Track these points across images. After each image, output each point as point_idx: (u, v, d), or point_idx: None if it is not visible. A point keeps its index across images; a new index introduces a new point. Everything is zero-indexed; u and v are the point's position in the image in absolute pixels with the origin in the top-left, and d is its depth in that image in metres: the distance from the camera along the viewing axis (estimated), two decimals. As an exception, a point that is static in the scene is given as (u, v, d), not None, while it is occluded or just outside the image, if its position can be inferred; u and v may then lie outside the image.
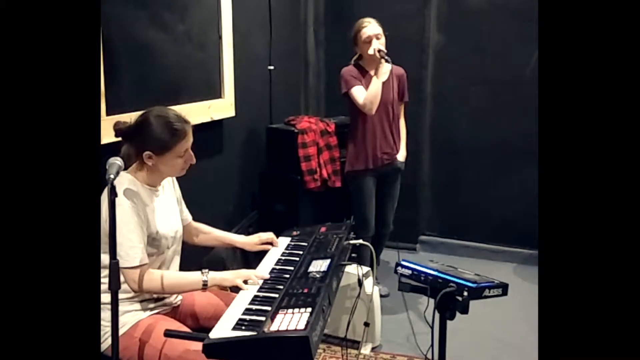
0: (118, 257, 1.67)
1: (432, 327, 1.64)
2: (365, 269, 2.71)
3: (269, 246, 2.16)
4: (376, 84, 2.93)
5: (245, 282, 1.76)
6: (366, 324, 2.56)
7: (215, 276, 1.77)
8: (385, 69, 3.02)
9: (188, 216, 2.12)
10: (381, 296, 3.13)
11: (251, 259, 3.07)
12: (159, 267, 1.86)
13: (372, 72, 3.01)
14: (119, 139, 1.81)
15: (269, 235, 2.19)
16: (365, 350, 2.77)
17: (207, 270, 1.77)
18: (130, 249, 1.67)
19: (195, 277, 1.77)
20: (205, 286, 1.76)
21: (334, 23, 4.24)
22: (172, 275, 1.80)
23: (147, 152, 1.75)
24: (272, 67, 3.62)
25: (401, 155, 3.23)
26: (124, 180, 1.74)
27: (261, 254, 2.13)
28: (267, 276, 1.82)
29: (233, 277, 1.77)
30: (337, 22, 4.22)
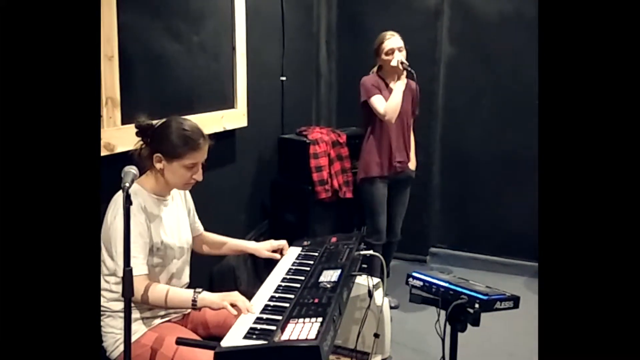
0: (116, 267, 1.69)
1: (442, 339, 1.63)
2: (376, 280, 2.70)
3: (277, 255, 2.16)
4: (398, 94, 3.03)
5: (234, 305, 1.67)
6: (376, 335, 2.55)
7: (205, 297, 1.71)
8: (401, 83, 3.10)
9: (200, 227, 2.13)
10: (391, 307, 3.13)
11: (261, 268, 3.08)
12: (169, 279, 1.87)
13: (391, 84, 3.11)
14: (136, 143, 1.84)
15: (280, 242, 2.20)
16: (375, 361, 2.76)
17: (200, 290, 1.73)
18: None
19: (186, 295, 1.72)
20: (194, 306, 1.71)
21: (346, 34, 4.27)
22: (163, 289, 1.72)
23: (158, 155, 1.77)
24: (284, 78, 3.65)
25: (412, 164, 3.34)
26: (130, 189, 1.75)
27: (271, 264, 2.14)
28: (253, 309, 1.68)
29: (221, 300, 1.69)
30: (349, 33, 4.25)
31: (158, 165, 1.78)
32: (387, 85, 3.15)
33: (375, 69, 3.23)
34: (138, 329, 1.77)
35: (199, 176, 1.84)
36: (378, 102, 3.05)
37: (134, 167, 1.56)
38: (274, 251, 2.19)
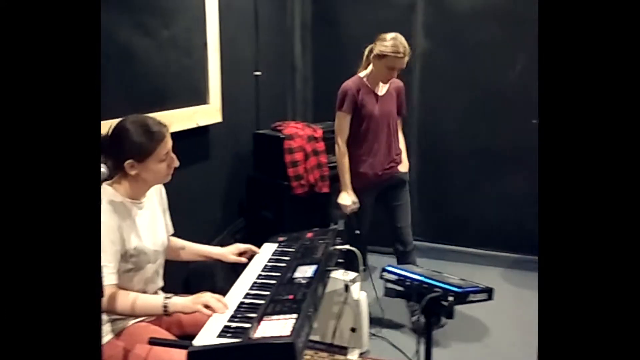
0: None
1: (417, 332, 1.63)
2: (353, 274, 2.70)
3: (244, 259, 2.12)
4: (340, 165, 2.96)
5: (208, 307, 1.65)
6: (353, 330, 2.56)
7: (176, 302, 1.68)
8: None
9: (170, 229, 2.06)
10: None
11: (239, 266, 3.06)
12: (144, 284, 1.83)
13: (377, 89, 2.96)
14: None
15: (247, 246, 2.16)
16: (353, 356, 2.76)
17: (170, 295, 1.70)
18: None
19: (156, 301, 1.69)
20: (166, 312, 1.68)
21: (320, 28, 4.25)
22: (130, 298, 1.68)
23: (129, 161, 1.71)
24: (258, 73, 3.62)
25: (404, 167, 3.14)
26: (103, 194, 1.71)
27: (249, 262, 2.12)
28: (227, 304, 1.67)
29: (193, 304, 1.67)
30: (324, 27, 4.23)
31: (132, 172, 1.72)
32: (372, 90, 2.97)
33: (364, 71, 2.99)
34: (110, 329, 1.74)
35: (175, 162, 1.80)
36: (340, 123, 2.93)
37: (103, 165, 1.52)
38: (242, 254, 2.15)
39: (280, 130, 3.36)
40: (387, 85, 2.99)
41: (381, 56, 2.82)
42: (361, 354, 2.79)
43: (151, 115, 1.82)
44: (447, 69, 3.96)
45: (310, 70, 4.33)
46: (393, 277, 1.73)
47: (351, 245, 2.19)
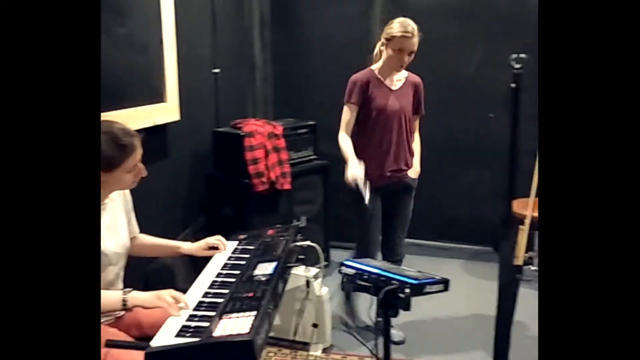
0: None
1: (375, 325, 1.66)
2: (314, 270, 2.72)
3: (215, 251, 2.14)
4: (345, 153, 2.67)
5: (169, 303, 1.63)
6: (314, 325, 2.58)
7: (136, 296, 1.66)
8: (400, 75, 2.82)
9: (136, 229, 2.07)
10: (395, 343, 2.77)
11: (200, 264, 3.03)
12: (105, 286, 1.80)
13: (387, 80, 2.78)
14: None
15: (216, 240, 2.17)
16: (316, 351, 2.78)
17: (129, 289, 1.68)
18: None
19: (115, 296, 1.67)
20: (125, 306, 1.66)
21: (280, 25, 4.24)
22: None
23: None
24: (217, 71, 3.59)
25: (413, 172, 2.90)
26: None
27: (210, 259, 2.11)
28: (185, 299, 1.66)
29: (154, 299, 1.65)
30: (283, 24, 4.23)
31: None
32: (383, 82, 2.77)
33: (376, 64, 2.80)
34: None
35: (143, 172, 1.79)
36: (344, 117, 2.75)
37: None
38: (212, 248, 2.15)
39: (240, 128, 3.34)
40: (402, 80, 2.82)
41: (389, 40, 2.68)
42: (325, 349, 2.81)
43: (114, 118, 1.79)
44: (405, 64, 4.00)
45: (270, 68, 4.32)
46: (351, 271, 1.74)
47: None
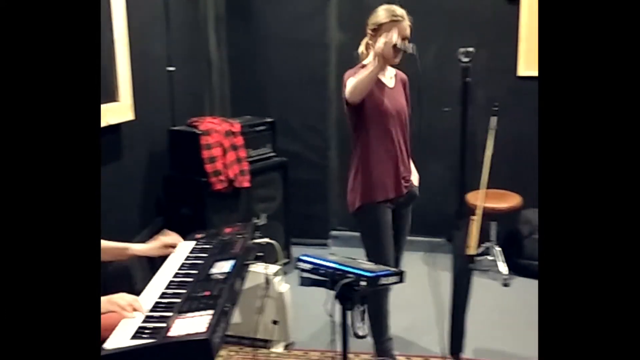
0: None
1: (332, 319, 1.67)
2: (274, 267, 2.72)
3: (171, 250, 2.11)
4: (370, 73, 2.29)
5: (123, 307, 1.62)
6: (275, 322, 2.57)
7: None
8: (391, 72, 2.58)
9: None
10: (359, 337, 2.40)
11: (159, 265, 2.99)
12: None
13: (383, 80, 2.52)
14: None
15: (172, 238, 2.14)
16: (278, 348, 2.78)
17: None
18: None
19: None
20: None
21: (235, 21, 4.21)
22: None
23: None
24: (172, 68, 3.54)
25: (416, 178, 2.67)
26: None
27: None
28: (140, 303, 1.65)
29: (106, 304, 1.63)
30: (238, 20, 4.19)
31: None
32: (378, 78, 2.44)
33: (367, 59, 2.53)
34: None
35: None
36: (349, 84, 2.37)
37: None
38: (168, 247, 2.12)
39: (196, 126, 3.30)
40: (394, 77, 2.57)
41: (376, 29, 2.42)
42: (287, 346, 2.82)
43: None
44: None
45: (227, 65, 4.28)
46: (308, 266, 1.75)
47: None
